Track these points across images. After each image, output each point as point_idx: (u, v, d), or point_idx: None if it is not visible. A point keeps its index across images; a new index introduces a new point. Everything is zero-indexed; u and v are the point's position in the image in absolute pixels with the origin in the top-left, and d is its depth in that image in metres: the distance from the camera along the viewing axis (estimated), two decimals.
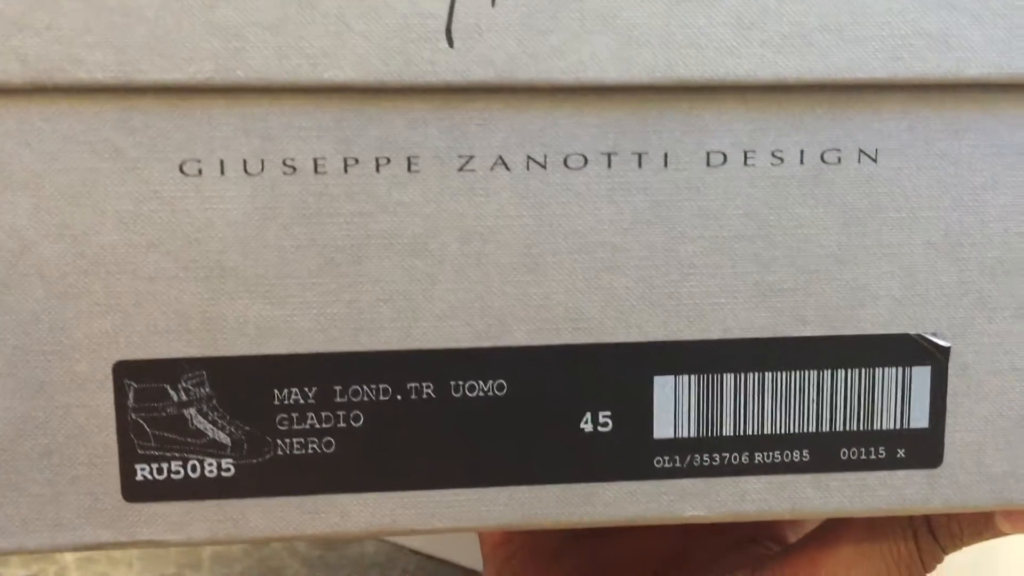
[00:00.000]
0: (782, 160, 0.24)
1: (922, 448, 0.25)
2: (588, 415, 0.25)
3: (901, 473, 0.25)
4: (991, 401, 0.25)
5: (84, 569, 0.49)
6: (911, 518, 0.29)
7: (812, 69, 0.23)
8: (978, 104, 0.24)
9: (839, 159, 0.24)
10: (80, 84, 0.22)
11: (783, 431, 0.25)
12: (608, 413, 0.25)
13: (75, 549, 0.24)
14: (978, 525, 0.29)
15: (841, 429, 0.25)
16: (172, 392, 0.24)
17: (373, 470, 0.24)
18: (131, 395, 0.23)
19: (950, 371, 0.25)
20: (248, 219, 0.23)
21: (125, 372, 0.23)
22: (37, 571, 0.48)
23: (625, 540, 0.36)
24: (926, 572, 0.30)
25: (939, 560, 0.30)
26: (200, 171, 0.23)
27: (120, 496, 0.24)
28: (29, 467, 0.24)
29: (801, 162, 0.24)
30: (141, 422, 0.24)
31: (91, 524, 0.24)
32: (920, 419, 0.25)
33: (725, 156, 0.24)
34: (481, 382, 0.24)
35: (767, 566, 0.31)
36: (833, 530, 0.30)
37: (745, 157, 0.24)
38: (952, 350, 0.25)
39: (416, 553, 0.51)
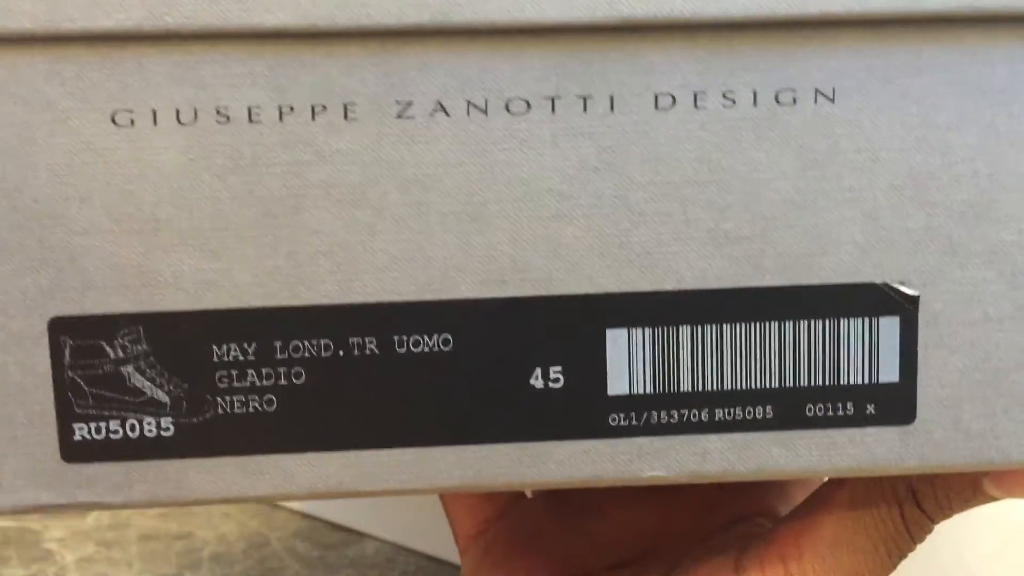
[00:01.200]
0: (734, 102, 0.23)
1: (893, 404, 0.24)
2: (538, 370, 0.24)
3: (872, 430, 0.24)
4: (965, 353, 0.24)
5: (84, 569, 0.49)
6: (895, 490, 0.28)
7: (762, 5, 0.22)
8: (939, 39, 0.23)
9: (794, 99, 0.23)
10: (9, 34, 0.22)
11: (744, 387, 0.24)
12: (559, 368, 0.24)
13: (14, 512, 0.23)
14: (965, 491, 0.27)
15: (806, 384, 0.24)
16: (108, 349, 0.23)
17: (317, 429, 0.24)
18: (67, 352, 0.23)
19: (920, 321, 0.24)
20: (182, 170, 0.23)
21: (61, 328, 0.23)
22: (36, 571, 0.48)
23: (610, 517, 0.35)
24: (915, 543, 0.29)
25: (928, 530, 0.28)
26: (132, 121, 0.22)
27: (59, 457, 0.23)
28: None
29: (754, 103, 0.23)
30: (78, 380, 0.23)
31: (30, 486, 0.23)
32: (890, 373, 0.24)
33: (674, 98, 0.23)
34: (425, 336, 0.23)
35: (752, 546, 0.30)
36: (815, 508, 0.29)
37: (695, 99, 0.23)
38: (921, 299, 0.24)
39: (416, 553, 0.50)
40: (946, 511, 0.28)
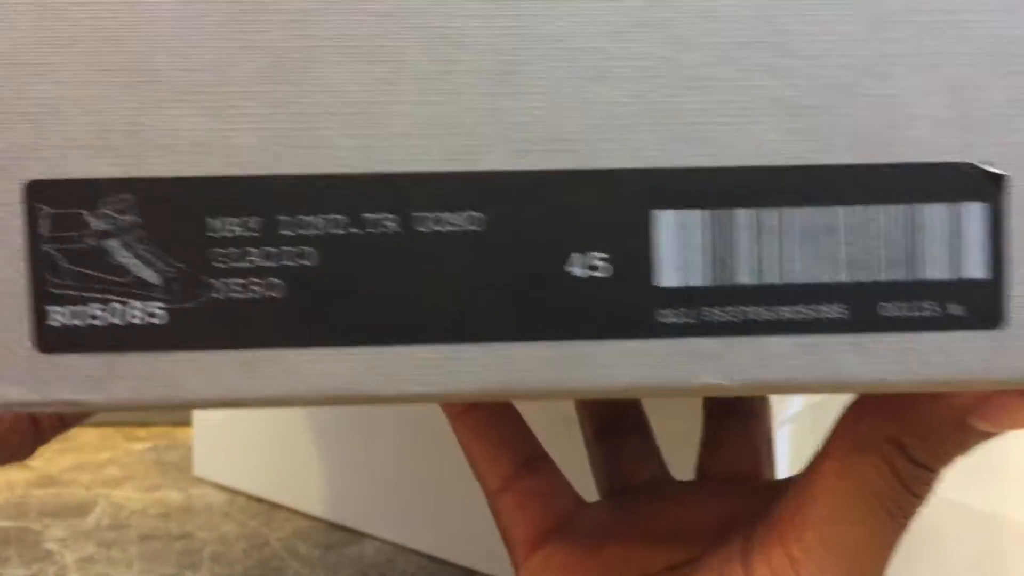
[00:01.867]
0: None
1: (980, 303, 0.21)
2: (578, 257, 0.21)
3: (957, 335, 0.21)
4: None
5: (84, 569, 0.47)
6: (879, 448, 0.25)
7: None
8: None
9: None
10: None
11: (811, 281, 0.21)
12: (602, 255, 0.21)
13: None
14: (953, 434, 0.25)
15: (880, 279, 0.21)
16: (91, 219, 0.20)
17: (326, 320, 0.21)
18: (45, 222, 0.20)
19: (1010, 208, 0.21)
20: (180, 13, 0.20)
21: (38, 194, 0.20)
22: (36, 571, 0.46)
23: (670, 515, 0.32)
24: (919, 498, 0.26)
25: (930, 481, 0.26)
26: None
27: (31, 345, 0.20)
28: None
29: None
30: (56, 255, 0.20)
31: None
32: (976, 267, 0.21)
33: None
34: (451, 214, 0.21)
35: (756, 532, 0.28)
36: (806, 484, 0.27)
37: None
38: (1010, 181, 0.21)
39: (417, 553, 0.48)
40: (944, 458, 0.25)
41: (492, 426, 0.33)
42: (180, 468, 0.56)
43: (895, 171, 0.21)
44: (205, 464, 0.55)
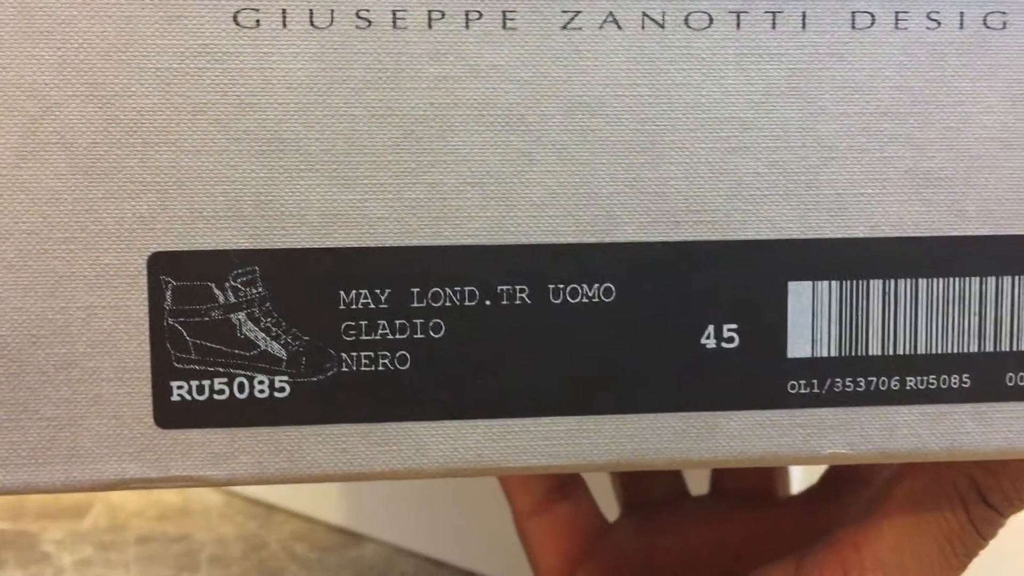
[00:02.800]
0: (939, 23, 0.20)
1: None
2: (711, 328, 0.21)
3: None
4: None
5: (82, 572, 0.46)
6: (956, 486, 0.25)
7: None
8: None
9: (1004, 24, 0.20)
10: None
11: (939, 351, 0.21)
12: (734, 327, 0.21)
13: (94, 487, 0.20)
14: None
15: (1008, 349, 0.21)
16: (218, 292, 0.20)
17: (455, 393, 0.20)
18: (168, 295, 0.19)
19: None
20: (313, 81, 0.19)
21: (162, 266, 0.19)
22: (34, 573, 0.45)
23: (695, 538, 0.32)
24: (985, 540, 0.26)
25: (998, 525, 0.26)
26: (258, 22, 0.19)
27: (152, 420, 0.20)
28: (42, 383, 0.19)
29: (960, 26, 0.20)
30: (180, 328, 0.20)
31: (115, 455, 0.20)
32: None
33: (873, 17, 0.20)
34: (585, 286, 0.20)
35: (812, 553, 0.28)
36: (874, 510, 0.27)
37: (896, 19, 0.20)
38: None
39: (415, 555, 0.48)
40: (1016, 504, 0.25)
41: None
42: None
43: None
44: None
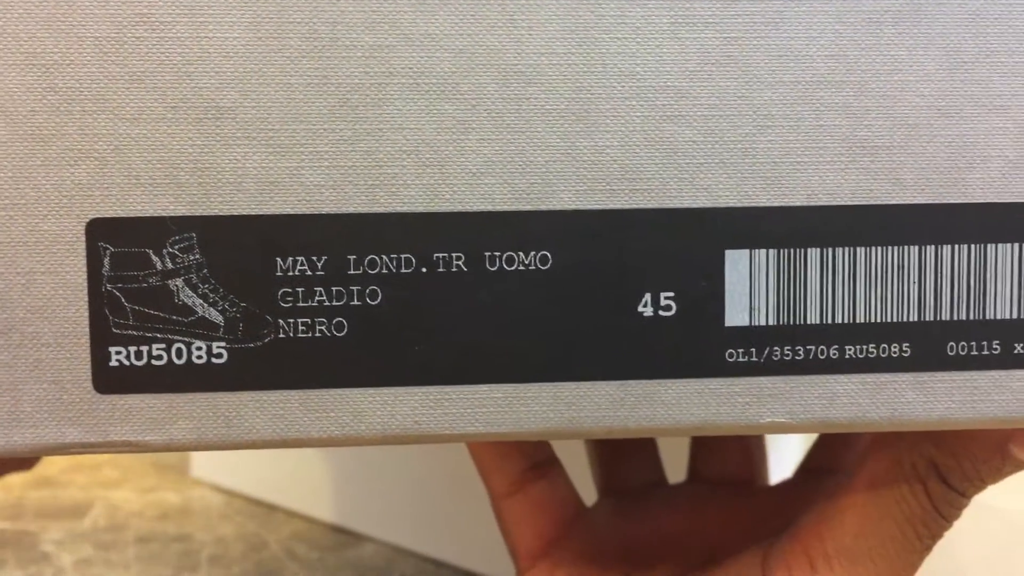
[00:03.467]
0: None
1: None
2: (647, 296, 0.21)
3: (1020, 373, 0.21)
4: None
5: (82, 571, 0.46)
6: (915, 468, 0.25)
7: None
8: None
9: None
10: None
11: (878, 320, 0.21)
12: (671, 295, 0.21)
13: (33, 451, 0.20)
14: (992, 459, 0.25)
15: (947, 318, 0.21)
16: (156, 258, 0.20)
17: (392, 360, 0.20)
18: (107, 261, 0.20)
19: None
20: (250, 50, 0.20)
21: (100, 232, 0.20)
22: (34, 573, 0.46)
23: (671, 526, 0.32)
24: (947, 521, 0.26)
25: (961, 506, 0.26)
26: None
27: (91, 386, 0.20)
28: None
29: None
30: (118, 294, 0.20)
31: (55, 420, 0.20)
32: None
33: None
34: (521, 253, 0.20)
35: (779, 543, 0.28)
36: (837, 498, 0.27)
37: None
38: None
39: (415, 555, 0.48)
40: (976, 483, 0.25)
41: None
42: (178, 469, 0.56)
43: (965, 211, 0.21)
44: (203, 465, 0.54)
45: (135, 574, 0.46)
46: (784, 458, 0.38)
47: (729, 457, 0.34)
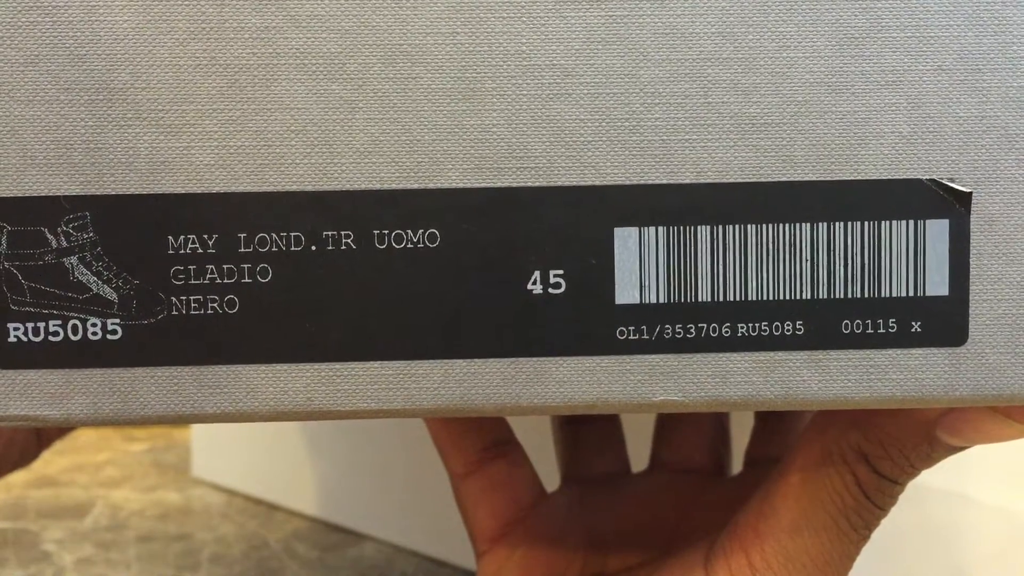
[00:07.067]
0: None
1: (942, 321, 0.21)
2: (537, 274, 0.21)
3: (917, 352, 0.21)
4: None
5: (82, 571, 0.46)
6: (844, 457, 0.25)
7: None
8: None
9: None
10: None
11: (771, 298, 0.21)
12: (560, 272, 0.21)
13: None
14: (920, 445, 0.24)
15: (842, 296, 0.21)
16: (51, 236, 0.20)
17: (283, 337, 0.21)
18: (4, 239, 0.20)
19: (972, 225, 0.21)
20: (139, 33, 0.20)
21: None
22: (34, 572, 0.46)
23: (630, 518, 0.32)
24: (882, 509, 0.26)
25: (894, 494, 0.26)
26: None
27: None
28: None
29: None
30: (15, 272, 0.20)
31: None
32: (938, 284, 0.21)
33: None
34: (410, 231, 0.21)
35: (717, 542, 0.27)
36: (772, 492, 0.26)
37: None
38: (974, 199, 0.21)
39: (416, 555, 0.48)
40: (908, 470, 0.25)
41: None
42: (178, 469, 0.56)
43: (857, 188, 0.21)
44: (203, 465, 0.55)
45: (136, 573, 0.47)
46: None
47: (689, 444, 0.33)
